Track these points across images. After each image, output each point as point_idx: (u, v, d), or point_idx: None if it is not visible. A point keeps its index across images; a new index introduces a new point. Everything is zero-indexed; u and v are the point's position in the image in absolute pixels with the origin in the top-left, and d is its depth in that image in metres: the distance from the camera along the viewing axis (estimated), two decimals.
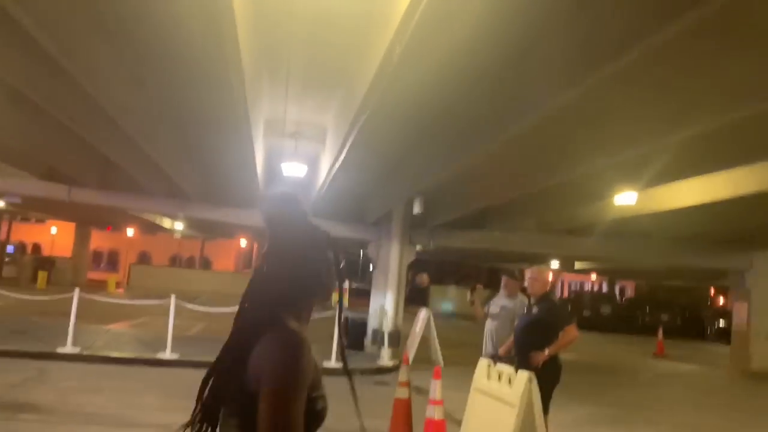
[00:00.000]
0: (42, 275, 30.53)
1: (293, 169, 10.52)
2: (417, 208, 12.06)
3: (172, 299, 11.80)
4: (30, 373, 9.36)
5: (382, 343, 13.63)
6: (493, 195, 11.42)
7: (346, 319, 14.70)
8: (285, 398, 1.54)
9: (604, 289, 45.77)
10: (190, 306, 12.82)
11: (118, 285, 33.58)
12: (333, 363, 11.37)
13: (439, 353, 13.55)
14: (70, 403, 7.89)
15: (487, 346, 7.04)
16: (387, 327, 13.96)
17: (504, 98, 6.40)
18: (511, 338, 6.37)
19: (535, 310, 6.06)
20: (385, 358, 13.18)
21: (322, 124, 10.32)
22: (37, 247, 45.53)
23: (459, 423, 5.05)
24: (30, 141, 12.79)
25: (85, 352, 11.09)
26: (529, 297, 6.33)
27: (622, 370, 16.77)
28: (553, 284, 36.98)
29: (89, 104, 8.41)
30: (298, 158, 10.52)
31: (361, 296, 21.94)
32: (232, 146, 9.66)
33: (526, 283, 6.23)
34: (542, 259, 23.31)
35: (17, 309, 15.35)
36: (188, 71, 7.57)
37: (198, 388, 1.67)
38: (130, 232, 42.56)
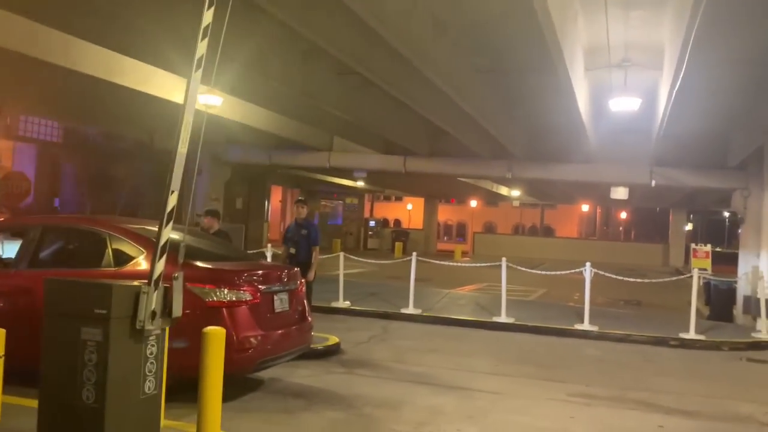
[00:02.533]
0: (398, 245, 34.20)
1: (623, 104, 8.92)
2: None
3: (503, 262, 11.46)
4: (375, 331, 9.94)
5: (758, 313, 11.23)
6: None
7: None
8: None
9: None
10: (521, 269, 12.45)
11: (463, 253, 35.41)
12: (692, 334, 9.97)
13: None
14: (405, 361, 8.01)
15: None
16: (764, 293, 11.31)
17: None
18: None
19: None
20: (763, 331, 10.85)
21: (654, 43, 8.45)
22: (397, 222, 51.04)
23: None
24: (365, 116, 13.74)
25: (424, 313, 11.45)
26: None
27: None
28: None
29: (404, 65, 8.33)
30: (628, 91, 8.89)
31: (724, 261, 18.80)
32: (549, 89, 8.64)
33: None
34: None
35: (375, 274, 17.71)
36: (488, 8, 6.86)
37: None
38: (473, 203, 44.70)
